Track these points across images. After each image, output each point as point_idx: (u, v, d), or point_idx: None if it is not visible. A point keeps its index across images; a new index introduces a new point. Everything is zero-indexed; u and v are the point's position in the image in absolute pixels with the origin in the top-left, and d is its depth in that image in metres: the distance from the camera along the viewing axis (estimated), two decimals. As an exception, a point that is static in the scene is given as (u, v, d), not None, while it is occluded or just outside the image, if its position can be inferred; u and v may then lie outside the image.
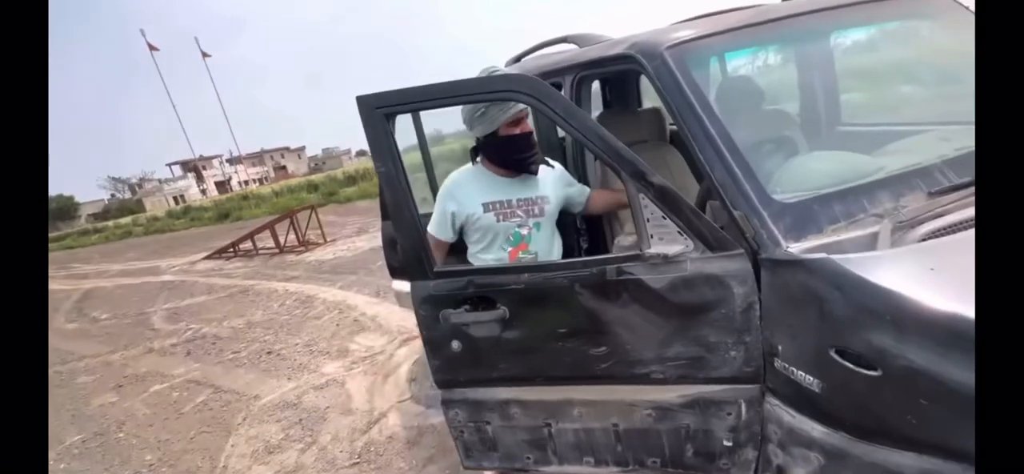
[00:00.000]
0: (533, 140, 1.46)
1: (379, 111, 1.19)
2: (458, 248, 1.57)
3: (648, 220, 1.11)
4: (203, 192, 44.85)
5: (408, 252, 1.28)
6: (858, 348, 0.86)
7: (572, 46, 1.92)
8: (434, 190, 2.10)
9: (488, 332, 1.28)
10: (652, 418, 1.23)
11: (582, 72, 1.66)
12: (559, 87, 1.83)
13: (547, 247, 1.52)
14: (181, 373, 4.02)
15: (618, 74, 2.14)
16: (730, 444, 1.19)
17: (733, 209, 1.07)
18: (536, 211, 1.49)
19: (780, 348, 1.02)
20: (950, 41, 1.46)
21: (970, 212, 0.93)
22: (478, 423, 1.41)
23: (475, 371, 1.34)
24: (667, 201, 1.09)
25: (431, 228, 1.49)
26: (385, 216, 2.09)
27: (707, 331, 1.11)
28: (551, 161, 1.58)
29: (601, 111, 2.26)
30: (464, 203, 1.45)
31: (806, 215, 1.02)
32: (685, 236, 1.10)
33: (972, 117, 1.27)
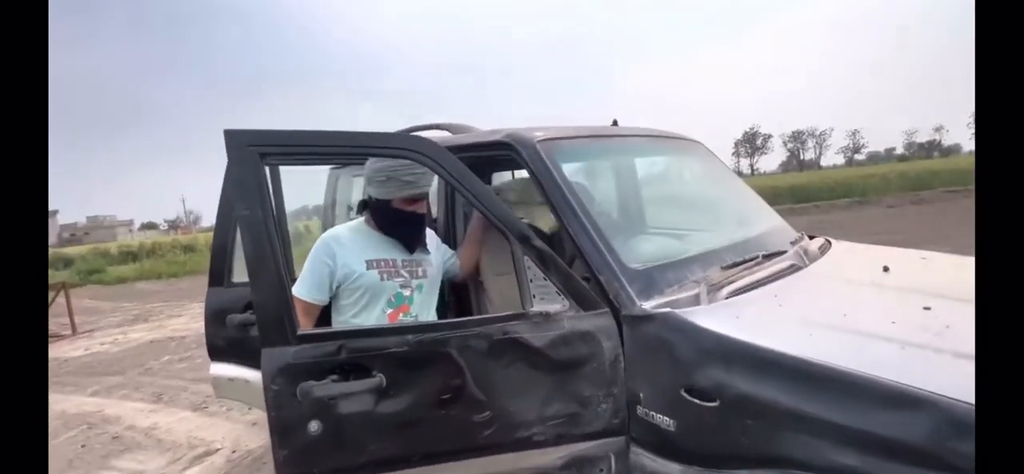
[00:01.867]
0: (424, 223, 1.48)
1: (252, 149, 1.04)
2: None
3: (531, 281, 1.20)
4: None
5: (267, 312, 1.07)
6: (701, 383, 1.05)
7: (444, 133, 2.07)
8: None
9: (359, 406, 1.11)
10: (533, 486, 1.21)
11: (460, 154, 1.79)
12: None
13: (428, 312, 1.48)
14: None
15: (491, 161, 2.36)
16: (602, 501, 1.24)
17: (598, 274, 1.25)
18: (420, 273, 1.46)
19: (641, 395, 1.17)
20: (697, 171, 2.08)
21: (752, 278, 1.31)
22: (333, 529, 1.14)
23: (337, 458, 1.12)
24: (547, 263, 1.20)
25: (298, 290, 1.32)
26: (213, 282, 1.70)
27: (582, 385, 1.20)
28: (432, 232, 1.60)
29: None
30: (345, 260, 1.35)
31: (650, 280, 1.26)
32: (562, 296, 1.21)
33: (724, 225, 1.79)
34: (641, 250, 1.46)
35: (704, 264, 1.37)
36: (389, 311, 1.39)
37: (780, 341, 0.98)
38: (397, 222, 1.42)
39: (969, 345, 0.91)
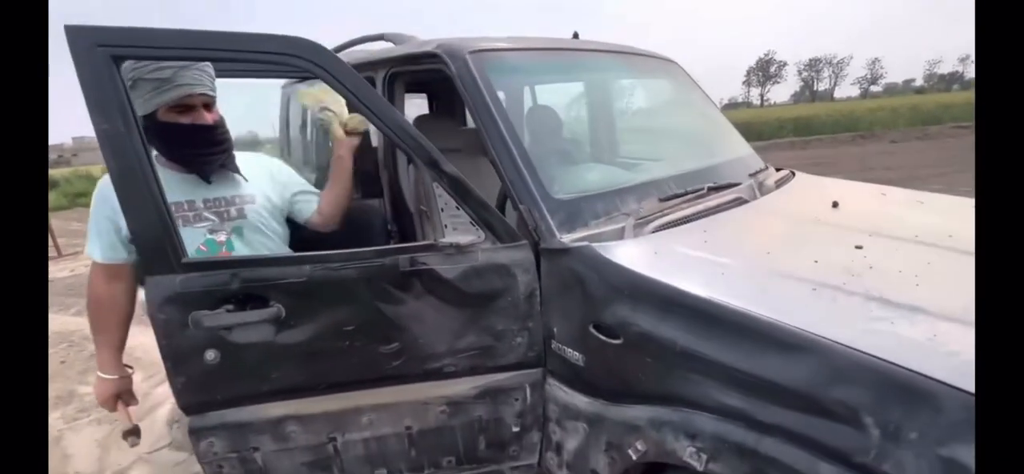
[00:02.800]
0: (215, 135, 1.15)
1: (102, 50, 0.90)
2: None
3: (442, 209, 1.11)
4: None
5: (144, 237, 0.99)
6: (607, 321, 1.00)
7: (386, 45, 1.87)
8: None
9: (258, 336, 1.07)
10: (446, 414, 1.21)
11: (393, 68, 1.61)
12: (372, 82, 1.74)
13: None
14: None
15: (440, 81, 2.18)
16: (517, 429, 1.25)
17: (519, 203, 1.16)
18: (233, 212, 1.19)
19: (556, 330, 1.13)
20: (663, 94, 1.91)
21: (687, 211, 1.22)
22: (242, 452, 1.15)
23: (238, 386, 1.10)
24: (459, 191, 1.11)
25: (92, 252, 1.13)
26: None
27: (496, 319, 1.15)
28: (270, 158, 1.34)
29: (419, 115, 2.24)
30: None
31: (575, 211, 1.17)
32: (476, 227, 1.13)
33: (682, 154, 1.66)
34: (574, 179, 1.35)
35: (642, 195, 1.27)
36: None
37: (687, 280, 0.91)
38: (172, 141, 1.10)
39: (885, 286, 0.85)
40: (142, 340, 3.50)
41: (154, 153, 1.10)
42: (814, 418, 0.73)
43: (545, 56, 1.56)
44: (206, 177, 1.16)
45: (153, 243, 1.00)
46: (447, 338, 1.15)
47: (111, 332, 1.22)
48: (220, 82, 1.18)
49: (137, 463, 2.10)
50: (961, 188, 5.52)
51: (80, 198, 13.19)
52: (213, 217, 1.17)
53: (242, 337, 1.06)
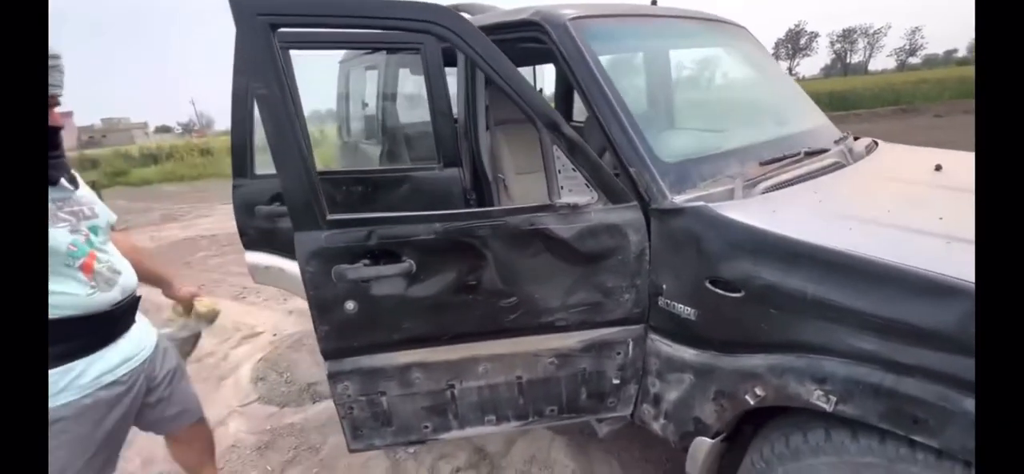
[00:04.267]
0: (60, 136, 1.07)
1: (262, 19, 0.97)
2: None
3: (559, 172, 1.17)
4: None
5: (294, 196, 1.07)
6: (726, 276, 1.05)
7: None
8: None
9: (391, 289, 1.16)
10: (554, 366, 1.29)
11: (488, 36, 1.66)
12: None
13: (120, 257, 1.20)
14: None
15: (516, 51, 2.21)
16: (617, 382, 1.32)
17: (629, 166, 1.20)
18: (86, 212, 1.11)
19: (664, 287, 1.18)
20: (740, 59, 1.91)
21: (790, 174, 1.25)
22: (371, 395, 1.26)
23: (373, 335, 1.20)
24: (576, 153, 1.16)
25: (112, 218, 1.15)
26: (238, 173, 1.71)
27: (606, 277, 1.21)
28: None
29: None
30: None
31: (683, 174, 1.21)
32: (590, 188, 1.18)
33: (765, 119, 1.66)
34: (676, 143, 1.39)
35: (742, 159, 1.30)
36: (80, 264, 1.05)
37: (815, 234, 0.95)
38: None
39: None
40: (224, 305, 3.75)
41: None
42: (959, 357, 0.77)
43: (637, 22, 1.58)
44: (54, 178, 1.05)
45: (302, 201, 1.09)
46: (560, 294, 1.22)
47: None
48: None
49: (231, 415, 2.27)
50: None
51: (118, 177, 13.77)
52: (69, 217, 1.07)
53: (378, 289, 1.15)
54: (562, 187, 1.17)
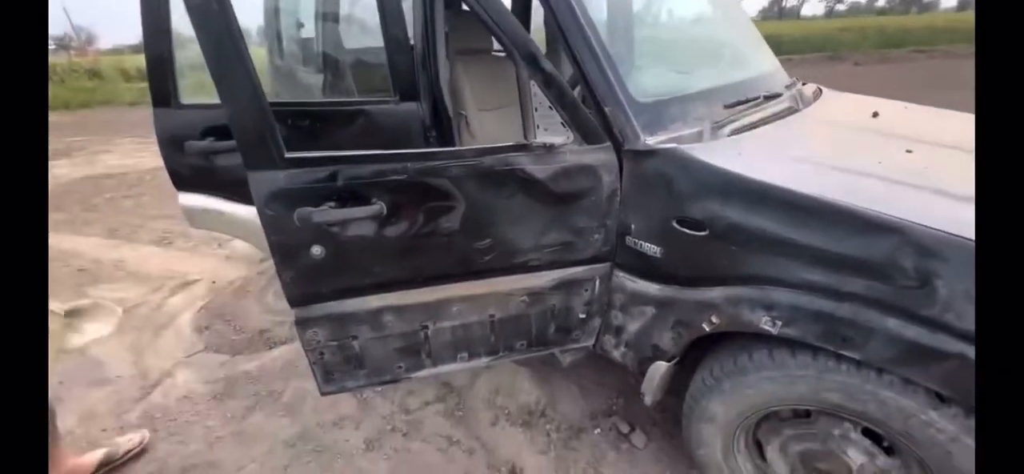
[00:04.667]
0: None
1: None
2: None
3: (536, 110, 1.13)
4: None
5: (245, 130, 0.96)
6: (694, 215, 1.10)
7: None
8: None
9: (360, 231, 1.10)
10: (525, 304, 1.32)
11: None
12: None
13: None
14: None
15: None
16: (583, 316, 1.39)
17: (603, 105, 1.19)
18: None
19: (633, 227, 1.23)
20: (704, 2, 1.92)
21: (755, 117, 1.31)
22: (342, 340, 1.23)
23: (342, 280, 1.15)
24: (553, 90, 1.12)
25: None
26: (159, 102, 1.48)
27: (578, 218, 1.23)
28: None
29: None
30: None
31: (655, 115, 1.22)
32: (566, 128, 1.16)
33: (725, 61, 1.70)
34: (645, 81, 1.38)
35: (707, 101, 1.33)
36: None
37: (778, 176, 1.01)
38: None
39: (946, 184, 0.99)
40: (128, 254, 3.38)
41: None
42: (889, 286, 0.89)
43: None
44: None
45: (254, 135, 0.97)
46: (533, 235, 1.23)
47: None
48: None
49: (177, 366, 2.14)
50: (921, 110, 5.85)
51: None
52: None
53: (346, 232, 1.09)
54: (538, 126, 1.14)
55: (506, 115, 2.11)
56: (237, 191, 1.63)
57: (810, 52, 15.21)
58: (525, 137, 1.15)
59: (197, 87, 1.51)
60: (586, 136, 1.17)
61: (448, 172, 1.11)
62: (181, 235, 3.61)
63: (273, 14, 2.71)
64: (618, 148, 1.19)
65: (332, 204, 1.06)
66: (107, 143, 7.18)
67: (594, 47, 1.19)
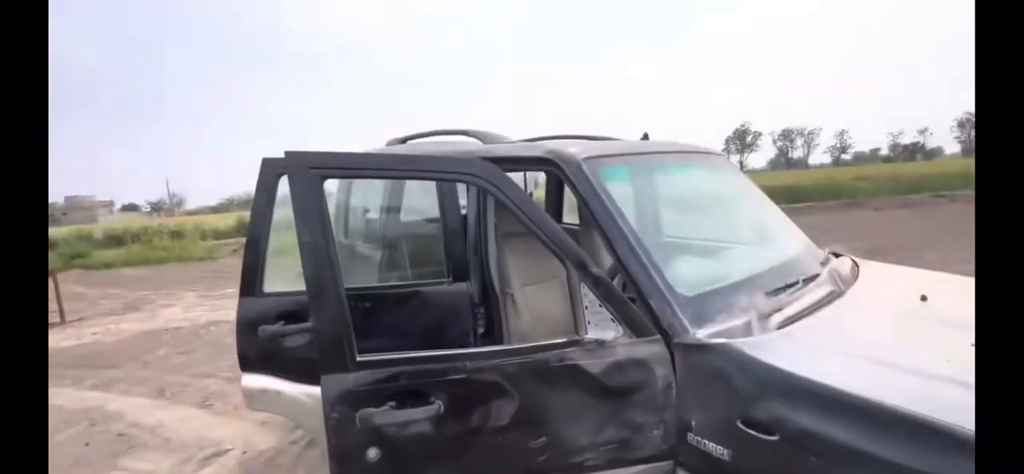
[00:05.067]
0: None
1: (315, 172, 1.02)
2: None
3: (586, 308, 1.20)
4: None
5: (327, 338, 1.05)
6: (759, 417, 1.06)
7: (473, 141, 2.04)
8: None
9: (418, 431, 1.11)
10: (583, 509, 1.22)
11: (502, 168, 1.78)
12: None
13: None
14: None
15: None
16: (647, 523, 1.26)
17: (648, 299, 1.26)
18: None
19: (693, 423, 1.19)
20: (726, 188, 2.10)
21: (800, 304, 1.33)
22: (388, 553, 1.14)
23: (394, 484, 1.12)
24: (602, 289, 1.20)
25: None
26: (245, 292, 1.67)
27: (634, 411, 1.21)
28: None
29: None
30: None
31: (701, 308, 1.27)
32: (616, 323, 1.22)
33: (758, 245, 1.80)
34: (685, 273, 1.46)
35: (749, 289, 1.38)
36: None
37: (845, 379, 0.99)
38: None
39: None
40: (168, 416, 3.41)
41: None
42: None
43: (637, 159, 1.73)
44: None
45: (333, 342, 1.06)
46: (589, 431, 1.20)
47: None
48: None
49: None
50: (957, 264, 5.76)
51: (76, 259, 12.98)
52: None
53: (404, 433, 1.10)
54: (589, 322, 1.20)
55: (548, 288, 2.22)
56: (295, 370, 1.71)
57: (829, 199, 15.71)
58: (576, 332, 1.20)
59: (274, 278, 1.71)
60: (636, 330, 1.22)
61: (503, 368, 1.15)
62: (221, 396, 3.66)
63: (345, 203, 3.14)
64: (668, 341, 1.22)
65: (393, 404, 1.09)
66: (172, 297, 7.78)
67: (631, 242, 1.30)
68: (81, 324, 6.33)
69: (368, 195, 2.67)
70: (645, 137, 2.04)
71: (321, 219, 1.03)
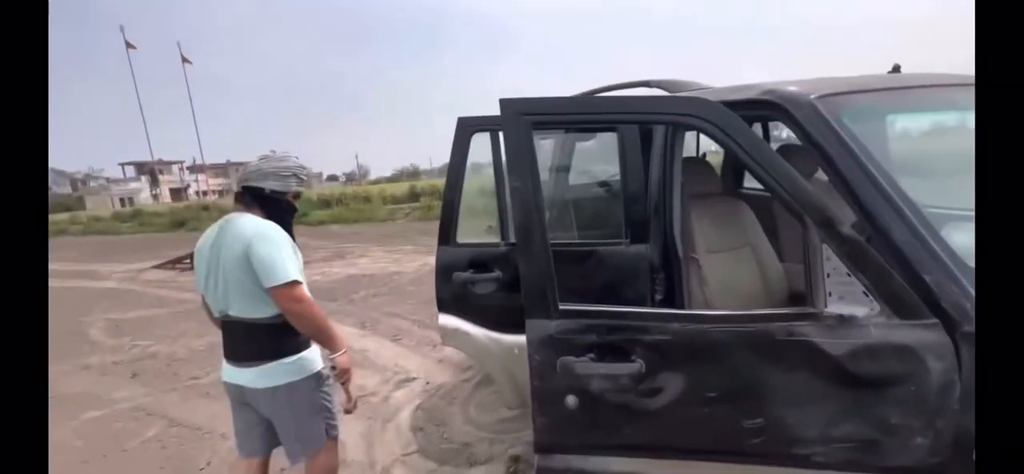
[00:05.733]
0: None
1: (525, 118, 1.03)
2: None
3: (828, 276, 0.99)
4: (155, 197, 41.77)
5: (531, 283, 1.08)
6: None
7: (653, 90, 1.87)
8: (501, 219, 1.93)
9: (616, 388, 1.07)
10: (804, 509, 1.05)
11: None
12: (651, 128, 1.75)
13: None
14: (124, 398, 3.43)
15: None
16: (893, 548, 1.02)
17: (923, 273, 0.97)
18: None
19: (989, 439, 0.89)
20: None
21: None
22: (579, 498, 1.16)
23: (590, 435, 1.12)
24: (854, 256, 0.97)
25: (296, 276, 1.45)
26: (442, 241, 1.87)
27: (889, 410, 0.96)
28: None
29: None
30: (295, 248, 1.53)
31: (1010, 289, 0.93)
32: (870, 298, 0.97)
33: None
34: (959, 239, 1.10)
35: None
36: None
37: None
38: (289, 217, 1.60)
39: None
40: (370, 344, 4.17)
41: (251, 211, 1.54)
42: None
43: (892, 98, 1.35)
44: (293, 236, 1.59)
45: (537, 288, 1.09)
46: (820, 423, 1.00)
47: (329, 321, 1.55)
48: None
49: (395, 463, 2.39)
50: None
51: (301, 218, 16.82)
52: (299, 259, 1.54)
53: (602, 387, 1.08)
54: (830, 293, 0.98)
55: (737, 257, 1.96)
56: (482, 316, 1.87)
57: None
58: (812, 302, 1.00)
59: (466, 231, 1.88)
60: (900, 309, 0.95)
61: (714, 335, 1.02)
62: (407, 333, 4.32)
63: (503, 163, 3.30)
64: (951, 328, 0.93)
65: (592, 356, 1.08)
66: (364, 251, 9.51)
67: (901, 206, 1.01)
68: (306, 267, 8.16)
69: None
70: (896, 69, 1.58)
71: (531, 166, 1.04)
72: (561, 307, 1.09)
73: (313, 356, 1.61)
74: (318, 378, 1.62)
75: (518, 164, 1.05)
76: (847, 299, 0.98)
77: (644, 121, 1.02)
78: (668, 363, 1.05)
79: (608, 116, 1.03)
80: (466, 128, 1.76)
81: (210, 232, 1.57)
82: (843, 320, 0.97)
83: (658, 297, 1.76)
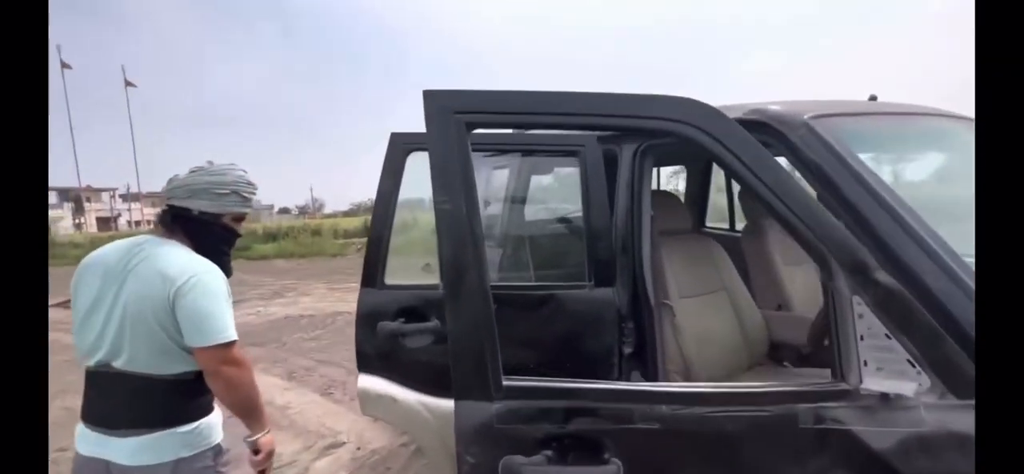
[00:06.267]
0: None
1: (459, 118, 0.73)
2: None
3: (861, 338, 0.73)
4: (78, 227, 37.54)
5: (463, 350, 0.75)
6: None
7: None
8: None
9: (585, 502, 0.75)
10: None
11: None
12: (616, 154, 1.53)
13: None
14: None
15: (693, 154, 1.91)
16: None
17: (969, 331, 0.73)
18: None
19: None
20: None
21: None
22: None
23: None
24: (896, 312, 0.72)
25: (232, 334, 1.12)
26: (366, 282, 1.50)
27: (953, 527, 0.70)
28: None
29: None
30: None
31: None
32: (919, 369, 0.72)
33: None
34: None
35: None
36: None
37: None
38: (225, 242, 1.24)
39: None
40: (295, 398, 3.59)
41: (167, 236, 1.18)
42: None
43: (882, 123, 1.18)
44: (230, 270, 1.25)
45: (470, 354, 0.76)
46: (863, 545, 0.72)
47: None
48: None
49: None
50: None
51: (241, 252, 15.57)
52: None
53: (564, 500, 0.75)
54: (866, 363, 0.73)
55: (712, 302, 1.73)
56: (414, 376, 1.49)
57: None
58: (843, 374, 0.74)
59: (397, 270, 1.52)
60: (955, 385, 0.71)
61: (719, 421, 0.73)
62: (340, 385, 3.78)
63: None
64: None
65: (549, 453, 0.75)
66: (308, 287, 8.74)
67: (927, 241, 0.78)
68: (239, 305, 7.33)
69: (489, 185, 2.44)
70: (872, 99, 1.45)
71: (465, 182, 0.73)
72: (505, 383, 0.76)
73: (213, 423, 1.17)
74: (216, 452, 1.17)
75: (446, 177, 0.74)
76: (887, 370, 0.72)
77: (611, 124, 0.76)
78: (658, 463, 0.74)
79: (562, 117, 0.75)
80: (399, 147, 1.45)
81: (108, 252, 1.15)
82: (886, 400, 0.71)
83: (627, 350, 1.48)
